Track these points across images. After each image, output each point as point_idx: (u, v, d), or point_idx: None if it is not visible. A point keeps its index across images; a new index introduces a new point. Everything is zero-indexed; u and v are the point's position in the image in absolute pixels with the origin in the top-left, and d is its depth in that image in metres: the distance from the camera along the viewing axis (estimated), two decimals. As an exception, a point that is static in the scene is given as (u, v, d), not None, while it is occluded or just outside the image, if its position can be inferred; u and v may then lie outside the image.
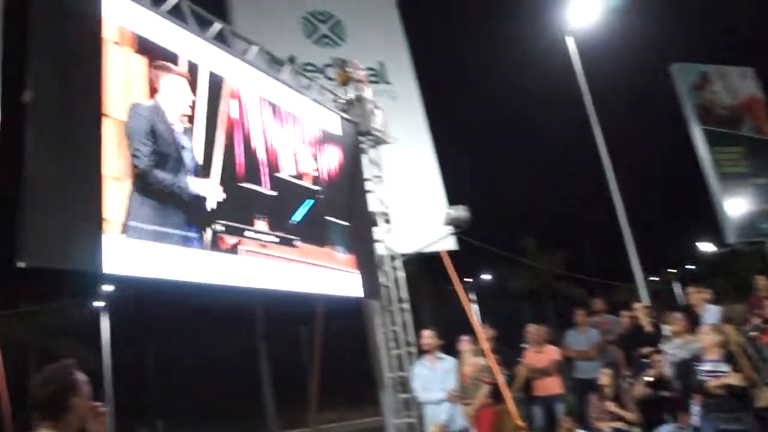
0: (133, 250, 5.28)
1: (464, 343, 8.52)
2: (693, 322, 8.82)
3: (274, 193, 7.31)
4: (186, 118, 6.21)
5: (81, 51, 5.39)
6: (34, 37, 4.92)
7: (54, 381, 2.92)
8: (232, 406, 22.31)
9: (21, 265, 4.40)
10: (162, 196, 5.70)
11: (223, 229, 6.34)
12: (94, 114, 5.30)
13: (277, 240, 7.10)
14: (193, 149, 6.26)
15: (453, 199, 11.29)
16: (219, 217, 6.33)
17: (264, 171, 7.28)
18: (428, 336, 7.71)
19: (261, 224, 6.94)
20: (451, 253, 10.02)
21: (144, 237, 5.42)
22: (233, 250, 6.44)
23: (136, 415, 21.24)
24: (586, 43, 16.55)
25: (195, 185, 6.10)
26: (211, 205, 6.27)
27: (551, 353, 9.68)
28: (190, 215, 5.98)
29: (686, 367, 7.62)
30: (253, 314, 21.93)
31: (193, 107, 6.41)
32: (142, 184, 5.50)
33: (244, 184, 6.93)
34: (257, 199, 7.05)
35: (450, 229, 10.17)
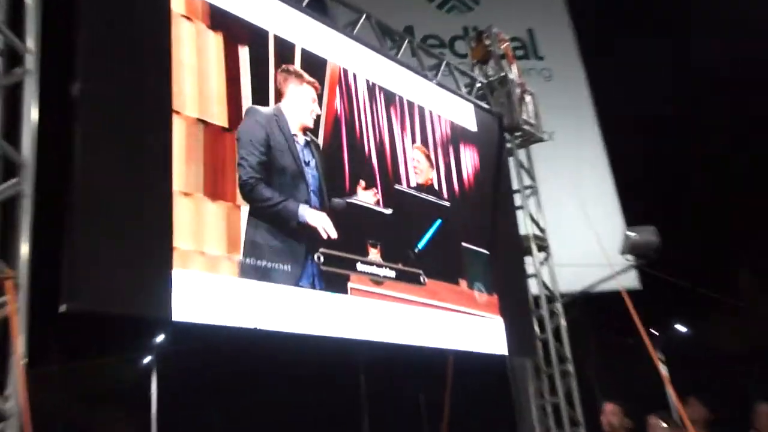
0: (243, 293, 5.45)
1: (657, 427, 8.07)
2: None
3: (390, 211, 7.33)
4: (309, 132, 6.70)
5: (143, 28, 5.55)
6: (83, 11, 5.08)
7: None
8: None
9: (63, 309, 4.49)
10: (270, 218, 6.01)
11: (328, 260, 6.40)
12: (162, 110, 5.45)
13: (394, 275, 7.10)
14: (318, 166, 6.67)
15: (633, 218, 11.00)
16: (324, 244, 6.42)
17: (377, 181, 7.34)
18: (612, 412, 7.31)
19: (374, 253, 6.97)
20: (632, 293, 9.67)
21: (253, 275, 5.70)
22: (340, 288, 6.48)
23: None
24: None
25: (307, 212, 6.35)
26: (322, 231, 6.47)
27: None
28: (299, 243, 6.22)
29: None
30: (354, 372, 21.95)
31: (317, 120, 6.82)
32: (247, 199, 5.86)
33: (354, 200, 6.99)
34: (369, 220, 7.08)
35: (630, 259, 9.86)
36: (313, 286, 6.21)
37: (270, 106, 6.36)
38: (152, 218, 5.19)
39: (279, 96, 6.48)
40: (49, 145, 5.07)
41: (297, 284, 6.08)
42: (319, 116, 6.83)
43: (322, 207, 6.51)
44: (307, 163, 6.55)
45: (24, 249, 4.65)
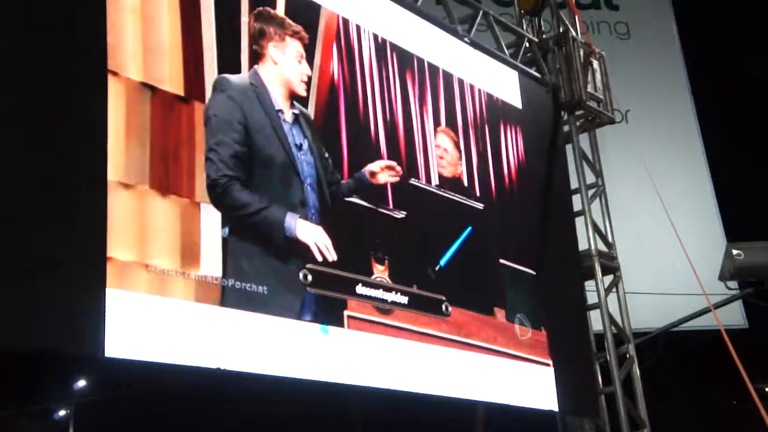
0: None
1: None
2: None
3: (404, 215, 7.41)
4: (298, 102, 6.72)
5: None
6: None
7: None
8: None
9: None
10: (249, 232, 6.05)
11: (317, 279, 6.44)
12: (94, 70, 5.43)
13: (406, 301, 7.16)
14: (313, 148, 6.72)
15: (738, 231, 11.00)
16: (311, 258, 6.45)
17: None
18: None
19: (380, 271, 7.03)
20: (735, 334, 9.68)
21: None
22: (333, 318, 6.53)
23: None
24: None
25: (298, 224, 6.35)
26: (316, 252, 6.48)
27: None
28: (292, 262, 6.28)
29: None
30: (351, 428, 21.80)
31: (308, 84, 6.77)
32: (218, 205, 5.90)
33: (354, 199, 7.05)
34: (374, 226, 7.17)
35: (733, 286, 9.85)
36: (298, 315, 6.26)
37: (243, 71, 6.35)
38: (78, 219, 5.15)
39: (256, 56, 6.46)
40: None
41: (300, 317, 6.24)
42: (309, 79, 6.82)
43: (322, 206, 6.58)
44: (299, 147, 6.58)
45: None
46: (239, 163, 6.05)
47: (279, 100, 6.50)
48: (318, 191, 6.59)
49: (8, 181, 4.89)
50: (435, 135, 8.17)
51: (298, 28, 6.82)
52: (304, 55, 6.78)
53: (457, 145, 8.37)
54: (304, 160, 6.57)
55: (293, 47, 6.72)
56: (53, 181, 5.10)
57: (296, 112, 6.65)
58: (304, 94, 6.73)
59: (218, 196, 5.88)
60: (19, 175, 4.95)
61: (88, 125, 5.36)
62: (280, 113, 6.48)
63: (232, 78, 6.24)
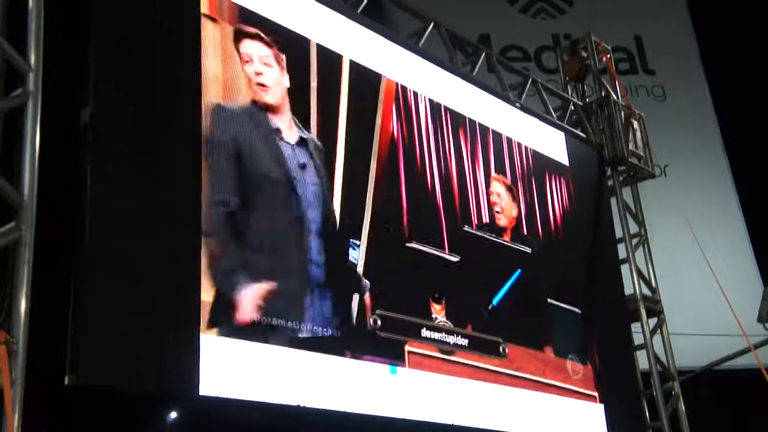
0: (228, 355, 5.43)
1: None
2: None
3: (457, 259, 7.53)
4: (303, 119, 6.54)
5: (166, 32, 5.73)
6: (93, 19, 5.26)
7: None
8: None
9: (71, 382, 4.56)
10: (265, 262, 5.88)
11: (386, 324, 6.56)
12: (191, 136, 5.63)
13: (466, 343, 7.28)
14: (319, 169, 6.56)
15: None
16: (375, 301, 6.56)
17: (443, 222, 7.56)
18: None
19: (437, 310, 7.14)
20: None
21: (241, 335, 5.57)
22: (397, 359, 6.60)
23: None
24: None
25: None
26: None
27: None
28: (324, 291, 6.25)
29: None
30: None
31: (308, 100, 6.64)
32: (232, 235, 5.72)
33: (414, 245, 7.17)
34: (433, 270, 7.27)
35: (772, 328, 9.82)
36: (357, 355, 6.30)
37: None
38: (177, 268, 5.28)
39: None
40: (54, 182, 5.01)
41: (337, 352, 6.19)
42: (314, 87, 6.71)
43: (323, 222, 6.42)
44: (303, 167, 6.42)
45: (22, 308, 4.55)
46: (235, 182, 5.84)
47: (281, 119, 6.32)
48: (321, 210, 6.42)
49: (125, 237, 5.03)
50: (489, 182, 8.31)
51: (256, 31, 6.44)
52: (270, 58, 6.48)
53: (509, 189, 8.50)
54: (303, 182, 6.34)
55: (280, 58, 6.53)
56: (160, 237, 5.23)
57: (303, 136, 6.44)
58: (305, 111, 6.54)
59: (227, 223, 5.72)
60: (133, 232, 5.09)
61: (187, 185, 5.54)
62: (281, 134, 6.29)
63: (227, 103, 5.97)
